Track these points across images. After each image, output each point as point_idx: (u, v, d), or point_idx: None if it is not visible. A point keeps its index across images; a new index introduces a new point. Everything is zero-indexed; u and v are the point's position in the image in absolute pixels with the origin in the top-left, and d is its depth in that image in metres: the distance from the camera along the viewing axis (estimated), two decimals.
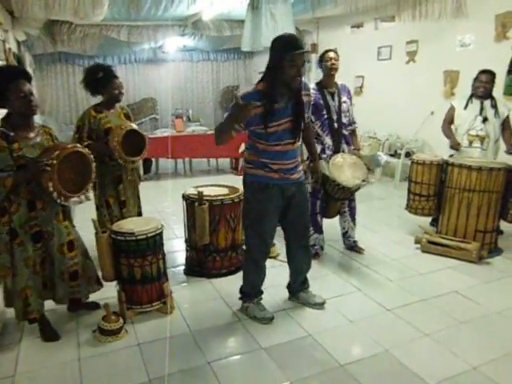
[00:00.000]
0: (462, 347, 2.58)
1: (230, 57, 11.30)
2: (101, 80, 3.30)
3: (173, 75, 10.66)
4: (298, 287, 3.12)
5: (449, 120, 4.32)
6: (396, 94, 6.78)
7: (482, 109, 4.09)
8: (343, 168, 3.43)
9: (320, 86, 3.63)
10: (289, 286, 3.17)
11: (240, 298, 3.04)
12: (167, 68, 10.48)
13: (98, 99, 3.47)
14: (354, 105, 3.81)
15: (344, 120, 3.65)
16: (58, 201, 2.42)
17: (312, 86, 3.58)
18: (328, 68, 3.57)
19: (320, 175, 3.18)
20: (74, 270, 2.71)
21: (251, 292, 2.98)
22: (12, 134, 2.38)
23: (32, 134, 2.48)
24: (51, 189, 2.35)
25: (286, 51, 2.42)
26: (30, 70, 7.38)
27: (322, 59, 3.62)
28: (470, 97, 4.18)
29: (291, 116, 2.59)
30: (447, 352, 2.54)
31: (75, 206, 2.62)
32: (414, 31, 6.25)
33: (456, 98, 4.42)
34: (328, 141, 3.62)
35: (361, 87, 7.65)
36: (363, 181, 3.37)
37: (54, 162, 2.32)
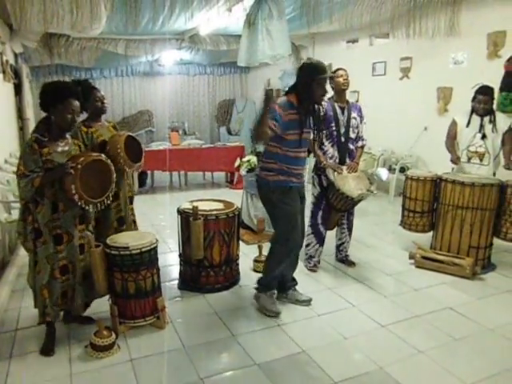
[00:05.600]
0: (457, 365, 2.57)
1: (226, 71, 11.38)
2: (81, 94, 3.17)
3: (169, 88, 10.70)
4: (290, 284, 3.34)
5: (452, 135, 4.31)
6: (390, 109, 6.85)
7: (481, 125, 4.10)
8: (347, 179, 3.55)
9: (332, 100, 3.74)
10: (281, 284, 3.31)
11: (256, 288, 3.25)
12: (164, 81, 10.53)
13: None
14: (365, 123, 3.89)
15: (352, 135, 3.75)
16: (79, 203, 2.56)
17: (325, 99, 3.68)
18: (340, 84, 3.68)
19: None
20: (82, 272, 2.79)
21: (269, 284, 3.20)
22: (46, 139, 2.58)
23: (63, 143, 2.67)
24: (73, 191, 2.49)
25: (316, 75, 2.90)
26: (26, 81, 7.40)
27: (332, 78, 3.68)
28: (471, 113, 4.17)
29: (312, 127, 3.10)
30: (441, 370, 2.53)
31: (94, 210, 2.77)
32: (408, 48, 6.34)
33: (458, 113, 4.43)
34: (332, 151, 3.70)
35: (356, 102, 7.71)
36: (368, 190, 3.43)
37: (79, 166, 2.49)
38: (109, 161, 2.73)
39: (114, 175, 2.75)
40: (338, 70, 3.76)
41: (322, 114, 3.20)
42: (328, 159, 3.68)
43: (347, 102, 3.79)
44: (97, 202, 2.66)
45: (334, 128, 3.67)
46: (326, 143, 3.70)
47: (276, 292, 3.26)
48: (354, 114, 3.77)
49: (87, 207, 2.64)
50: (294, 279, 3.39)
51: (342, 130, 3.70)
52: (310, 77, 2.91)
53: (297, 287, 3.39)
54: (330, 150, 3.70)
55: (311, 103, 3.02)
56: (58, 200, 2.62)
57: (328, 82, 3.66)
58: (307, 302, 3.29)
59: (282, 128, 2.89)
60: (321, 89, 2.94)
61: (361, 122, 3.84)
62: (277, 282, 3.24)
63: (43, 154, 2.55)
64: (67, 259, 2.70)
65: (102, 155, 2.74)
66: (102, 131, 3.32)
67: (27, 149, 2.54)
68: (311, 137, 3.13)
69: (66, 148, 2.68)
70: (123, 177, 3.34)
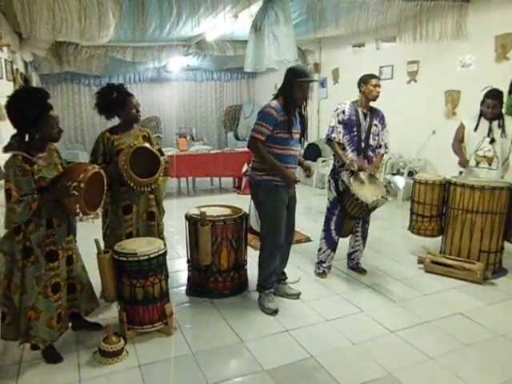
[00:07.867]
0: (467, 371, 2.54)
1: (233, 76, 11.41)
2: (116, 101, 3.10)
3: (176, 94, 10.75)
4: (279, 278, 3.50)
5: (459, 138, 4.27)
6: (398, 113, 6.79)
7: (490, 130, 4.06)
8: (364, 185, 3.52)
9: (356, 104, 3.68)
10: None
11: (257, 289, 3.41)
12: (171, 87, 10.58)
13: (112, 123, 3.28)
14: (387, 131, 3.79)
15: (371, 142, 3.68)
16: (83, 218, 2.54)
17: (348, 102, 3.67)
18: (373, 95, 3.58)
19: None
20: (70, 282, 2.73)
21: (266, 282, 3.33)
22: (34, 159, 2.45)
23: (45, 154, 2.57)
24: (78, 210, 2.44)
25: (297, 78, 3.08)
26: None
27: (365, 82, 3.59)
28: (479, 117, 4.14)
29: (300, 128, 3.25)
30: (452, 376, 2.50)
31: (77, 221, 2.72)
32: (415, 51, 6.32)
33: (466, 116, 4.41)
34: (352, 156, 3.63)
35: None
36: (382, 197, 3.41)
37: (82, 185, 2.41)
38: (101, 170, 2.63)
39: (105, 180, 2.67)
40: (373, 77, 3.61)
41: (305, 114, 3.32)
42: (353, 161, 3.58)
43: (371, 108, 3.71)
44: (95, 212, 2.63)
45: (355, 133, 3.61)
46: (347, 147, 3.64)
47: (273, 290, 3.39)
48: (375, 121, 3.69)
49: (88, 218, 2.61)
50: (283, 273, 3.54)
51: (363, 136, 3.63)
52: (292, 80, 3.11)
53: (292, 285, 3.55)
54: (350, 155, 3.63)
55: (294, 105, 3.15)
56: (52, 216, 2.54)
57: (359, 86, 3.68)
58: (296, 296, 3.46)
59: (274, 127, 3.07)
60: (301, 92, 3.12)
61: (382, 130, 3.74)
62: (273, 280, 3.37)
63: (34, 172, 2.43)
64: (60, 277, 2.61)
65: (95, 166, 2.62)
66: (126, 140, 3.11)
67: (16, 171, 2.37)
68: (298, 136, 3.24)
69: (51, 159, 2.58)
70: (138, 189, 3.09)
